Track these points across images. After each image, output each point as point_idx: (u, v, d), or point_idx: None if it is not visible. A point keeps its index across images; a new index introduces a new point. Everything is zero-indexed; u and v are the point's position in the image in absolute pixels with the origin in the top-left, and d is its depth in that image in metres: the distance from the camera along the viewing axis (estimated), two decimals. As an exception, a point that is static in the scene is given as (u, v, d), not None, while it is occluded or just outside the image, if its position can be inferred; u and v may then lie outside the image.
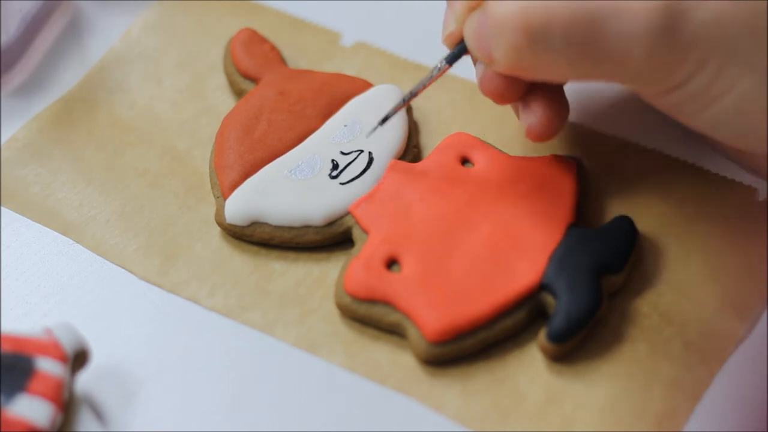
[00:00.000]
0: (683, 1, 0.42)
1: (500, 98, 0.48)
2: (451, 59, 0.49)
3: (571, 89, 0.54)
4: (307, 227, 0.50)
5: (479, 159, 0.51)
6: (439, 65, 0.50)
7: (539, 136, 0.49)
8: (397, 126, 0.52)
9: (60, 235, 0.52)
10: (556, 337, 0.46)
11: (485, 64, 0.47)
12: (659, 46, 0.42)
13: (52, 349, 0.45)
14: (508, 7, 0.44)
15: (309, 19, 0.58)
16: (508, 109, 0.54)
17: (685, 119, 0.45)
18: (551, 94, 0.48)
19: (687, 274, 0.49)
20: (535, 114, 0.48)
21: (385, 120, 0.51)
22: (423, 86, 0.50)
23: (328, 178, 0.51)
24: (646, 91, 0.45)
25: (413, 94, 0.51)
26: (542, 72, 0.45)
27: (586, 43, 0.43)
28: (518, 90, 0.48)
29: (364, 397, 0.47)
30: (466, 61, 0.52)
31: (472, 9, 0.47)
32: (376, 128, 0.51)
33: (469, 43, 0.47)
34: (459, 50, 0.49)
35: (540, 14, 0.43)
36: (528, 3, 0.44)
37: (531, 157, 0.51)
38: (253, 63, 0.55)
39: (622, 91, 0.54)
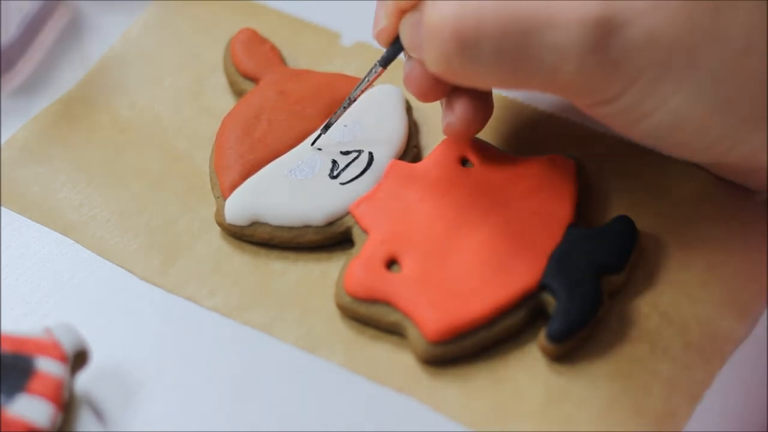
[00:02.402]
0: (615, 16, 0.42)
1: (423, 96, 0.49)
2: (385, 62, 0.50)
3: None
4: (307, 227, 0.50)
5: (479, 159, 0.51)
6: (374, 69, 0.50)
7: (456, 135, 0.49)
8: (397, 126, 0.52)
9: (60, 235, 0.52)
10: (556, 337, 0.46)
11: (416, 63, 0.48)
12: (589, 61, 0.42)
13: (52, 349, 0.45)
14: (441, 13, 0.44)
15: (309, 19, 0.58)
16: (507, 110, 0.54)
17: (620, 130, 0.45)
18: (475, 94, 0.48)
19: (687, 274, 0.49)
20: (455, 113, 0.49)
21: (327, 127, 0.51)
22: (360, 91, 0.51)
23: (328, 178, 0.51)
24: (578, 103, 0.45)
25: (352, 100, 0.51)
26: (471, 79, 0.45)
27: (517, 55, 0.43)
28: (442, 90, 0.48)
29: (364, 397, 0.47)
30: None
31: (402, 8, 0.48)
32: (319, 135, 0.51)
33: (405, 43, 0.48)
34: (393, 51, 0.49)
35: (471, 24, 0.43)
36: (461, 11, 0.43)
37: (531, 157, 0.51)
38: (253, 63, 0.55)
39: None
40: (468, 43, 0.43)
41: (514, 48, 0.43)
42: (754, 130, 0.44)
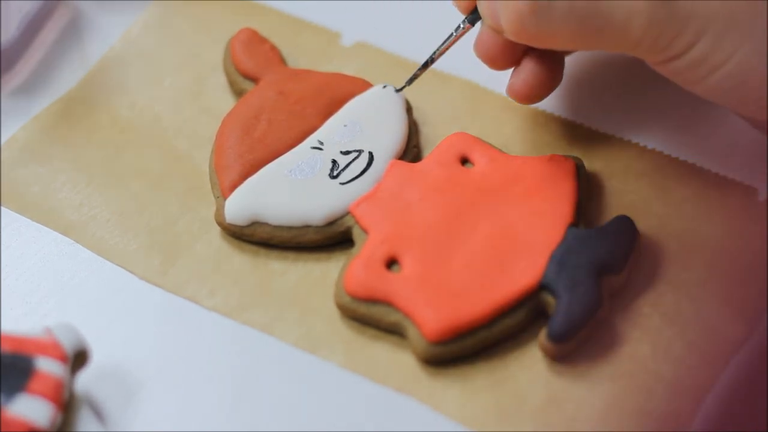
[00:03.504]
0: None
1: (492, 62, 0.50)
2: (473, 20, 0.51)
3: (571, 89, 0.54)
4: (307, 227, 0.50)
5: (479, 159, 0.51)
6: (461, 25, 0.51)
7: (519, 96, 0.50)
8: (397, 126, 0.52)
9: (60, 235, 0.52)
10: (556, 337, 0.46)
11: (490, 29, 0.49)
12: (659, 17, 0.43)
13: (52, 348, 0.45)
14: None
15: (309, 19, 0.58)
16: (507, 110, 0.54)
17: (689, 86, 0.46)
18: (546, 59, 0.49)
19: (687, 274, 0.49)
20: (521, 76, 0.50)
21: (411, 81, 0.53)
22: (445, 47, 0.52)
23: (328, 177, 0.51)
24: (649, 59, 0.46)
25: (433, 59, 0.52)
26: (545, 40, 0.46)
27: (588, 13, 0.44)
28: (511, 58, 0.50)
29: (364, 397, 0.47)
30: (466, 60, 0.52)
31: None
32: (403, 87, 0.53)
33: (481, 11, 0.49)
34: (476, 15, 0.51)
35: None
36: None
37: (531, 157, 0.51)
38: (253, 63, 0.55)
39: (623, 90, 0.54)
40: (541, 4, 0.45)
41: (586, 6, 0.44)
42: None
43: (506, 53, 0.50)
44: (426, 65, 0.52)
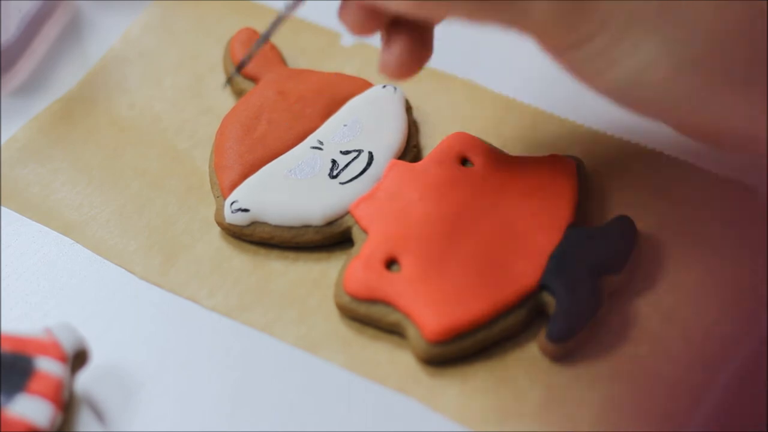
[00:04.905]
0: None
1: (358, 29, 0.46)
2: None
3: (571, 89, 0.54)
4: (306, 227, 0.50)
5: (479, 159, 0.51)
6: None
7: (393, 74, 0.47)
8: (397, 126, 0.52)
9: (60, 235, 0.52)
10: (556, 337, 0.46)
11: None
12: (563, 2, 0.42)
13: (52, 349, 0.45)
14: None
15: (309, 19, 0.58)
16: (507, 110, 0.54)
17: (586, 80, 0.44)
18: (415, 34, 0.47)
19: (687, 275, 0.49)
20: (393, 53, 0.47)
21: (240, 66, 0.53)
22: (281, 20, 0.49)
23: (328, 177, 0.51)
24: (548, 45, 0.44)
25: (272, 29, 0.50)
26: (440, 10, 0.43)
27: None
28: (377, 23, 0.46)
29: (364, 397, 0.47)
30: (466, 60, 0.52)
31: None
32: (231, 77, 0.53)
33: None
34: None
35: None
36: None
37: (531, 157, 0.51)
38: (252, 63, 0.55)
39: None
40: None
41: None
42: (722, 92, 0.43)
43: (373, 18, 0.46)
44: (262, 41, 0.50)
